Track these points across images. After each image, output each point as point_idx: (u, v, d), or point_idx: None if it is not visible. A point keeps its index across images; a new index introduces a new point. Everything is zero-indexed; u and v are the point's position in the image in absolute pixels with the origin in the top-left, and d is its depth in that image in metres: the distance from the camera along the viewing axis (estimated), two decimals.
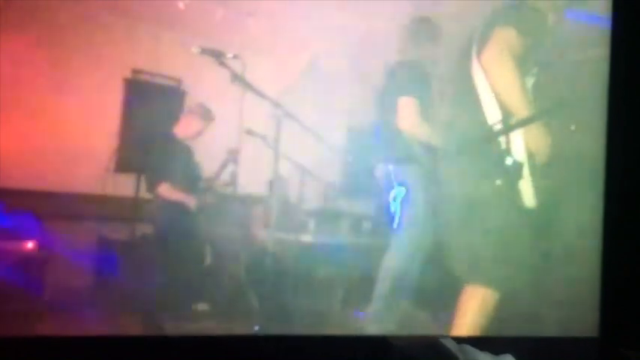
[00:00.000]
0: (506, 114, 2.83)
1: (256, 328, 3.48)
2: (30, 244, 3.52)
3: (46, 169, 3.57)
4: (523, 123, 2.81)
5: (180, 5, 3.72)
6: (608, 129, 3.32)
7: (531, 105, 2.83)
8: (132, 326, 3.34)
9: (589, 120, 3.42)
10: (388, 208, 3.69)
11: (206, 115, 3.90)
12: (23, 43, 3.41)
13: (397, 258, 3.53)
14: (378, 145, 3.88)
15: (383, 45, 3.95)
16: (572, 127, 3.51)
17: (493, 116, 2.84)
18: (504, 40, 2.82)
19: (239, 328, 3.56)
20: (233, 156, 3.88)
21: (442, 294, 3.06)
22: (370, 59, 4.05)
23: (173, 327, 3.51)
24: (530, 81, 2.92)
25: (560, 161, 3.56)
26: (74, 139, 3.62)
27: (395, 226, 3.58)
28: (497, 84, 2.81)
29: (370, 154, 3.97)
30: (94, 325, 3.16)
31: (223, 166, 3.90)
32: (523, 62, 2.84)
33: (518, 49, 2.83)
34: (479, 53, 2.90)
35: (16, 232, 3.50)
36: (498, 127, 2.80)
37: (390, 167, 3.67)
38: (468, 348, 2.08)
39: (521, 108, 2.80)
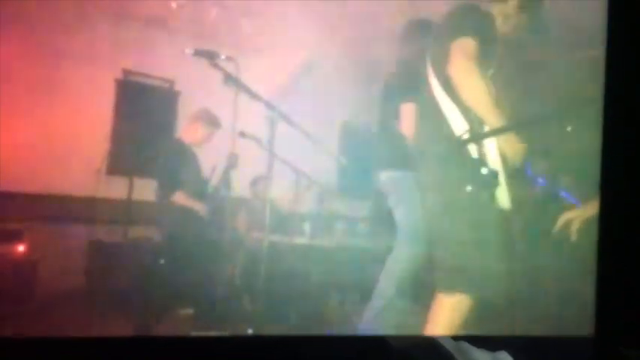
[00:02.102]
0: (477, 123, 2.85)
1: (250, 331, 3.44)
2: (21, 247, 3.49)
3: (37, 172, 3.55)
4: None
5: (173, 5, 3.70)
6: (604, 129, 3.30)
7: (502, 112, 2.85)
8: (123, 329, 3.30)
9: (585, 121, 3.41)
10: (385, 211, 3.65)
11: (213, 122, 3.88)
12: (13, 44, 3.39)
13: (400, 260, 3.50)
14: (373, 148, 3.85)
15: (379, 46, 3.94)
16: (569, 129, 3.49)
17: (461, 126, 2.86)
18: (467, 50, 2.83)
19: (233, 331, 3.52)
20: (233, 161, 3.84)
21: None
22: (366, 60, 4.04)
23: (165, 329, 3.48)
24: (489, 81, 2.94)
25: (556, 161, 3.55)
26: (65, 141, 3.59)
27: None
28: (468, 95, 2.84)
29: (366, 156, 3.93)
30: (86, 327, 3.12)
31: (225, 172, 3.86)
32: (482, 67, 2.88)
33: (477, 56, 2.86)
34: (441, 64, 2.91)
35: (7, 235, 3.47)
36: (473, 134, 2.81)
37: (388, 172, 3.63)
38: (465, 346, 2.06)
39: (493, 116, 2.83)
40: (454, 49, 2.83)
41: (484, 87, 2.79)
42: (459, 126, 2.83)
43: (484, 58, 2.87)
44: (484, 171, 2.73)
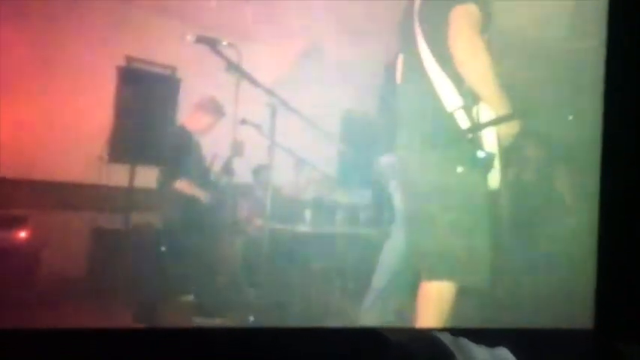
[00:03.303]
0: (472, 99, 2.66)
1: (251, 319, 3.47)
2: (23, 234, 3.50)
3: (39, 159, 3.55)
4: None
5: None
6: (604, 118, 3.29)
7: (503, 93, 2.68)
8: (124, 316, 3.32)
9: (585, 109, 3.40)
10: (385, 198, 3.65)
11: (218, 110, 3.86)
12: (15, 32, 3.37)
13: (395, 248, 3.50)
14: (374, 136, 3.85)
15: (381, 33, 3.91)
16: (570, 117, 3.49)
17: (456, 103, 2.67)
18: (470, 19, 2.57)
19: (234, 319, 3.54)
20: (238, 150, 3.84)
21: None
22: (368, 47, 4.01)
23: (166, 316, 3.50)
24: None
25: (556, 151, 3.54)
26: (66, 128, 3.59)
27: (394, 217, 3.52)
28: (473, 72, 2.64)
29: (367, 144, 3.93)
30: (88, 316, 3.14)
31: (229, 160, 3.87)
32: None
33: (480, 25, 2.63)
34: (437, 36, 2.66)
35: (9, 221, 3.48)
36: (472, 120, 2.67)
37: (388, 156, 3.61)
38: (464, 342, 2.05)
39: (496, 96, 2.65)
40: (455, 18, 2.58)
41: (490, 63, 2.58)
42: (454, 103, 2.64)
43: (483, 22, 2.63)
44: (480, 154, 2.64)
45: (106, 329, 2.83)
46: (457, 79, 2.64)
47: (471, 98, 2.65)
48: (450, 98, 2.66)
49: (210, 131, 3.87)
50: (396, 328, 3.14)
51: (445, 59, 2.65)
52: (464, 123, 2.65)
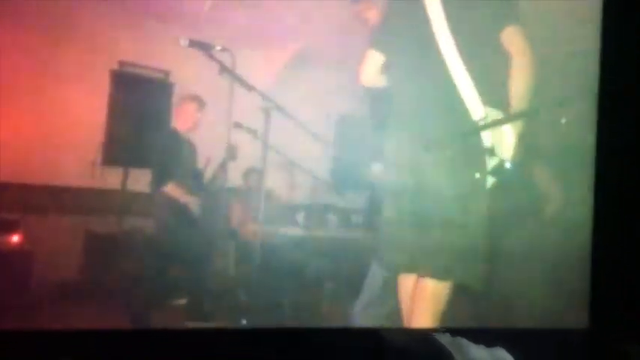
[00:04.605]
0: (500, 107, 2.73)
1: (244, 321, 3.46)
2: (16, 237, 3.49)
3: (32, 162, 3.55)
4: (514, 118, 2.73)
5: None
6: (598, 122, 3.32)
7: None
8: (117, 319, 3.31)
9: (580, 113, 3.42)
10: (379, 201, 3.65)
11: (196, 100, 3.86)
12: (9, 36, 3.37)
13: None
14: (368, 139, 3.86)
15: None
16: (563, 120, 3.50)
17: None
18: (521, 36, 2.69)
19: (227, 322, 3.54)
20: (232, 153, 3.84)
21: None
22: (361, 51, 4.03)
23: (158, 319, 3.49)
24: None
25: (550, 154, 3.56)
26: (60, 132, 3.59)
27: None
28: (521, 79, 2.75)
29: (360, 148, 3.94)
30: (81, 318, 3.12)
31: (223, 164, 3.86)
32: None
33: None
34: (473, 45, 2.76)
35: (3, 225, 3.47)
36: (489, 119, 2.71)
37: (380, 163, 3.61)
38: (462, 341, 2.08)
39: (523, 101, 2.73)
40: (511, 35, 2.68)
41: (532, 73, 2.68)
42: (474, 109, 2.70)
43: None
44: (484, 155, 2.66)
45: (97, 330, 2.82)
46: (481, 84, 2.69)
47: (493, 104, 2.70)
48: (472, 103, 2.70)
49: (198, 125, 3.85)
50: (394, 328, 3.14)
51: (476, 64, 2.71)
52: (470, 124, 2.68)
